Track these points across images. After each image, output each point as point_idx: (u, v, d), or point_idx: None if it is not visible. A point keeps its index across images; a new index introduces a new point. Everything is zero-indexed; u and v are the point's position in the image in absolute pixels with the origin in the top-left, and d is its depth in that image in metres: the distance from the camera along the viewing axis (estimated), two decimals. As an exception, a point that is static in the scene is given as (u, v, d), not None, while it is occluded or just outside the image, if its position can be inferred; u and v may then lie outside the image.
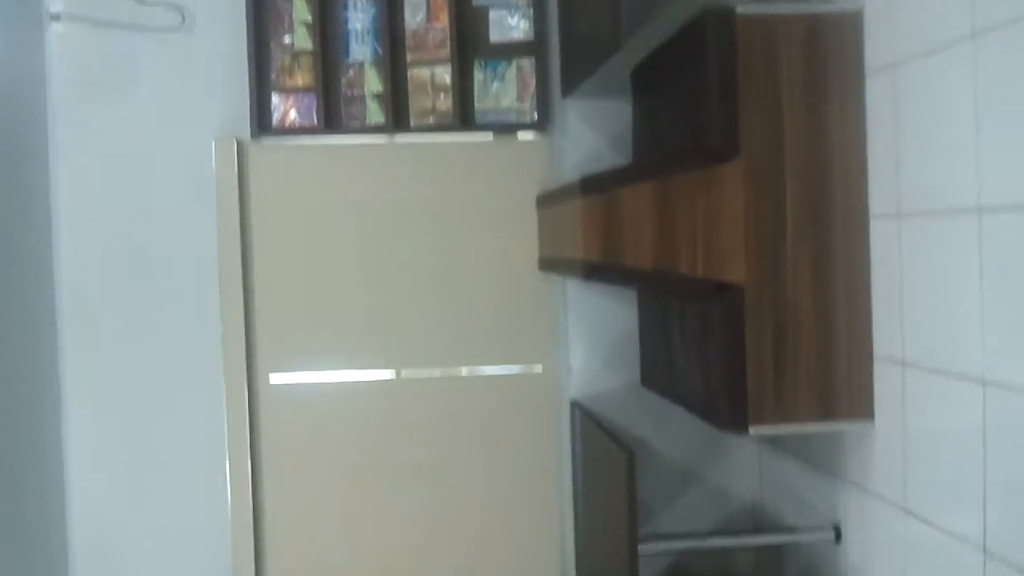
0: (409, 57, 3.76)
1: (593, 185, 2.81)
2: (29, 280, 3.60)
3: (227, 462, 3.71)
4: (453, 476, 3.80)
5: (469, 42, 3.79)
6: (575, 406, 3.77)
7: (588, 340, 3.85)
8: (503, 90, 3.79)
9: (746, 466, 3.81)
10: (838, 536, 3.01)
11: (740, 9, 2.57)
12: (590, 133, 3.79)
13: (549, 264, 3.59)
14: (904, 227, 2.52)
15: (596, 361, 3.85)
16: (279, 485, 3.75)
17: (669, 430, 3.81)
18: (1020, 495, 2.09)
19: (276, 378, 3.76)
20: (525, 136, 3.81)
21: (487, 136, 3.81)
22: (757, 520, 3.77)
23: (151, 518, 3.76)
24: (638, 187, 2.75)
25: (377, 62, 3.74)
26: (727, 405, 2.75)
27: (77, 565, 3.75)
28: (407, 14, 3.76)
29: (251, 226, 3.72)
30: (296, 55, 3.71)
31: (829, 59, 2.65)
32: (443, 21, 3.75)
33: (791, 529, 3.34)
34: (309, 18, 3.70)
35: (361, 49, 3.75)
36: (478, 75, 3.78)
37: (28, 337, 3.58)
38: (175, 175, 3.75)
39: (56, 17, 3.69)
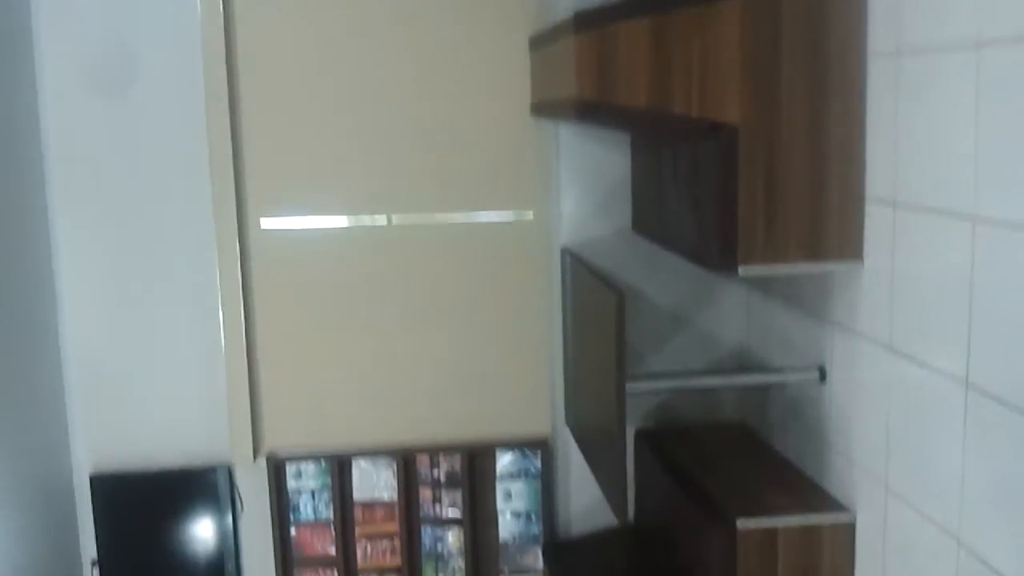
0: None
1: (587, 21, 2.74)
2: (15, 121, 3.54)
3: (220, 307, 3.74)
4: (444, 321, 3.84)
5: None
6: (566, 252, 3.78)
7: (580, 186, 3.83)
8: (494, -75, 3.67)
9: (734, 311, 3.85)
10: (823, 376, 3.07)
11: None
12: (584, -29, 3.69)
13: (541, 108, 3.55)
14: (902, 64, 2.49)
15: (587, 208, 3.84)
16: (272, 329, 3.79)
17: (659, 276, 3.83)
18: (1004, 330, 2.13)
19: (267, 223, 3.75)
20: (518, -26, 3.71)
21: (479, -26, 3.71)
22: (744, 363, 3.83)
23: (145, 361, 3.81)
24: (633, 23, 2.69)
25: None
26: (717, 245, 2.77)
27: (73, 402, 3.82)
28: None
29: (237, 66, 3.64)
30: None
31: None
32: None
33: (777, 369, 3.40)
34: None
35: None
36: (468, -91, 3.66)
37: (16, 181, 3.54)
38: (158, 10, 3.65)
39: None
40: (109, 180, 3.72)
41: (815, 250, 2.73)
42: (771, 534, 2.84)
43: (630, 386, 2.99)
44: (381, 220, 3.79)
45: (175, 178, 3.73)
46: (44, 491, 3.66)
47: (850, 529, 2.84)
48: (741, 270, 2.71)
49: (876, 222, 2.66)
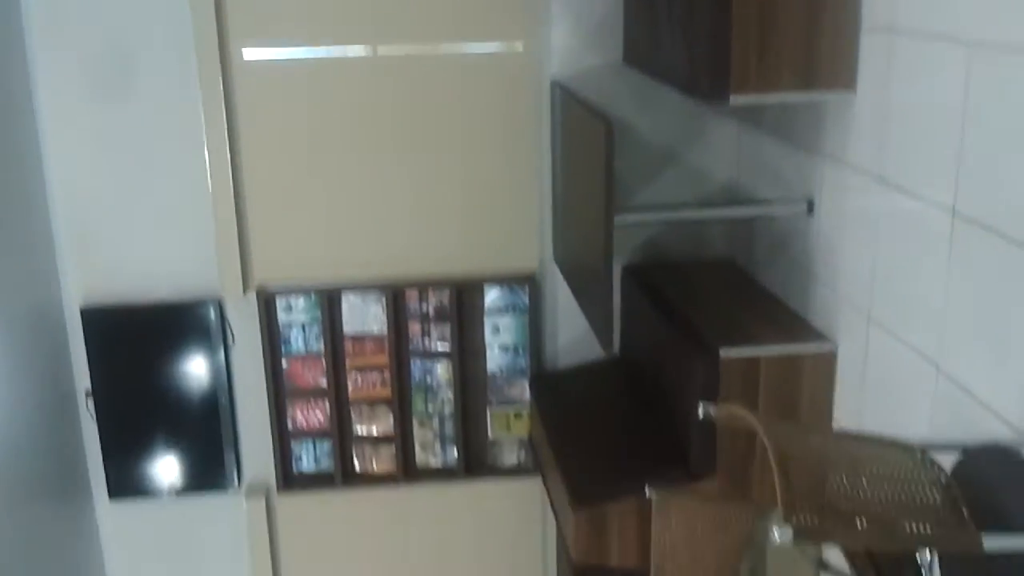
0: None
1: None
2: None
3: (205, 139, 3.68)
4: (432, 155, 3.79)
5: None
6: (555, 85, 3.72)
7: (570, 17, 3.73)
8: None
9: (725, 146, 3.82)
10: (811, 209, 3.06)
11: None
12: None
13: (531, -68, 3.42)
14: None
15: (578, 39, 3.75)
16: (259, 162, 3.74)
17: (650, 110, 3.78)
18: (994, 158, 2.11)
19: (250, 54, 3.66)
20: None
21: None
22: (733, 199, 3.82)
23: (132, 194, 3.76)
24: None
25: None
26: (709, 75, 2.72)
27: (61, 235, 3.80)
28: None
29: None
30: None
31: None
32: None
33: (765, 202, 3.39)
34: None
35: None
36: None
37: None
38: None
39: None
40: (90, 18, 3.60)
41: (808, 79, 2.69)
42: (753, 363, 2.89)
43: (618, 218, 2.98)
44: (366, 51, 3.70)
45: (157, 9, 3.61)
46: (35, 323, 3.69)
47: (831, 358, 2.89)
48: (732, 99, 2.67)
49: (871, 50, 2.61)
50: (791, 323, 3.10)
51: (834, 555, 1.96)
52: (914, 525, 1.56)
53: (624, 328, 3.74)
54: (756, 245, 3.59)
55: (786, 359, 2.90)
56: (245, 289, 3.84)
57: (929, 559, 1.98)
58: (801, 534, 1.48)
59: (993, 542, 1.58)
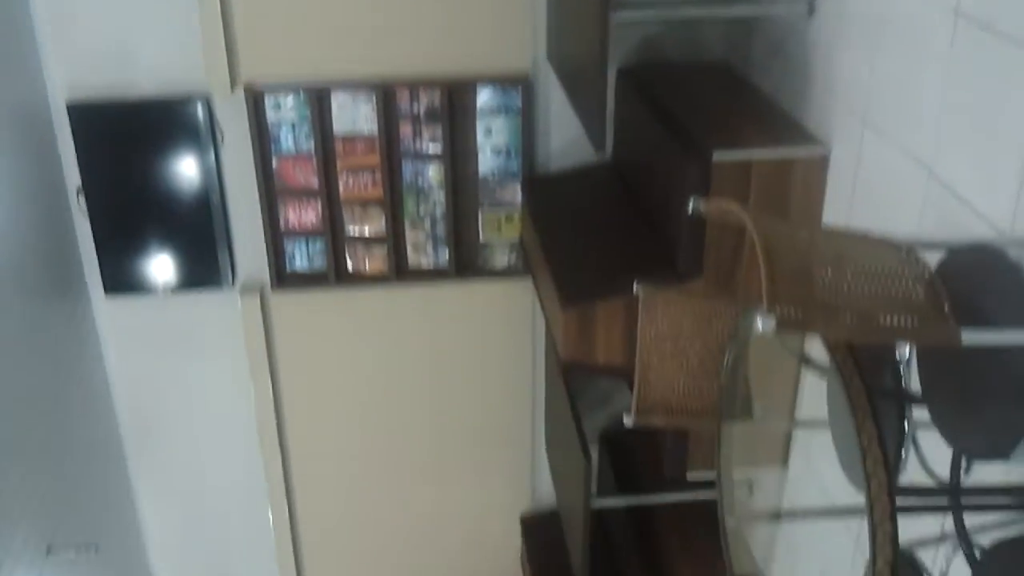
0: None
1: None
2: None
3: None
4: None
5: None
6: None
7: None
8: None
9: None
10: (811, 9, 2.99)
11: None
12: None
13: None
14: None
15: None
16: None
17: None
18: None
19: None
20: None
21: None
22: None
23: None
24: None
25: None
26: None
27: (43, 28, 3.71)
28: None
29: None
30: None
31: None
32: None
33: (765, 0, 3.31)
34: None
35: None
36: None
37: None
38: None
39: None
40: None
41: None
42: (745, 166, 2.88)
43: (614, 15, 2.91)
44: None
45: None
46: (21, 119, 3.63)
47: (823, 162, 2.89)
48: None
49: None
50: (784, 127, 3.08)
51: (816, 349, 2.01)
52: (896, 318, 1.60)
53: (617, 131, 3.71)
54: (753, 48, 3.52)
55: (778, 163, 2.89)
56: (233, 86, 3.77)
57: (907, 355, 2.04)
58: (784, 324, 1.51)
59: (971, 336, 1.62)
